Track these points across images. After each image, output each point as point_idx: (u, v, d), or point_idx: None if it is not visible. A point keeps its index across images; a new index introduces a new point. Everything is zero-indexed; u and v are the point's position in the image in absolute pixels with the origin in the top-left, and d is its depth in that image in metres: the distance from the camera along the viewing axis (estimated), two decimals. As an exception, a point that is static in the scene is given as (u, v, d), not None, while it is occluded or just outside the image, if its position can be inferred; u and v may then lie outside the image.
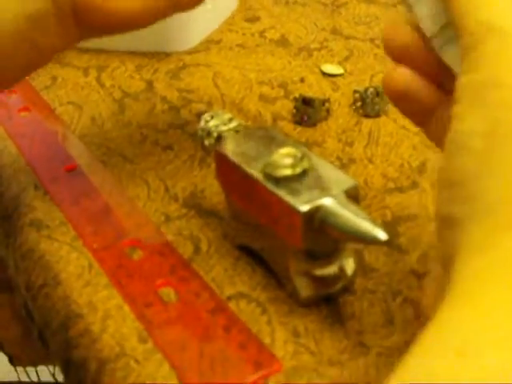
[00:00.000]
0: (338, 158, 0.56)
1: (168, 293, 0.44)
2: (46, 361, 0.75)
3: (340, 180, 0.40)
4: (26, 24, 0.44)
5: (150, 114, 0.62)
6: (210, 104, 0.62)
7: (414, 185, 0.52)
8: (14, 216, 0.53)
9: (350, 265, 0.43)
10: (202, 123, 0.47)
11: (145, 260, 0.47)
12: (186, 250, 0.48)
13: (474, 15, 0.29)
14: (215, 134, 0.46)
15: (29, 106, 0.66)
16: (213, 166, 0.47)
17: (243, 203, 0.44)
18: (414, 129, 0.54)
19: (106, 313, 0.44)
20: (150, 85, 0.67)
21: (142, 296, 0.44)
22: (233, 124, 0.46)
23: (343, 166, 0.54)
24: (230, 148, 0.44)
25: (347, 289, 0.43)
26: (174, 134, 0.59)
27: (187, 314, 0.43)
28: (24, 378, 1.07)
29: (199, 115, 0.52)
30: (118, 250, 0.48)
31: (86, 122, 0.63)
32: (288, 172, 0.40)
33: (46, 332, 0.47)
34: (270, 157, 0.41)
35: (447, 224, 0.29)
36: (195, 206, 0.51)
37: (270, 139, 0.44)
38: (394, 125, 0.59)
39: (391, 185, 0.52)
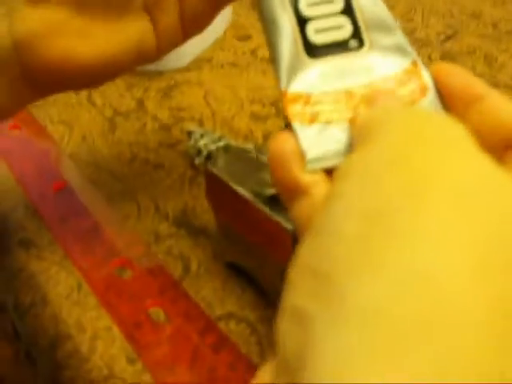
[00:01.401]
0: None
1: (157, 313, 0.44)
2: (34, 382, 0.74)
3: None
4: None
5: (141, 132, 0.62)
6: (200, 122, 0.62)
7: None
8: (3, 235, 0.53)
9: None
10: (192, 141, 0.47)
11: (134, 280, 0.47)
12: (176, 269, 0.47)
13: None
14: (205, 153, 0.46)
15: (19, 124, 0.66)
16: (203, 184, 0.47)
17: (233, 222, 0.44)
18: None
19: (94, 333, 0.43)
20: (140, 103, 0.67)
21: (131, 317, 0.44)
22: (222, 143, 0.46)
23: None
24: (219, 167, 0.43)
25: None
26: (164, 153, 0.58)
27: (176, 335, 0.43)
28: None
29: (190, 134, 0.52)
30: (107, 269, 0.48)
31: (77, 141, 0.62)
32: (277, 190, 0.40)
33: (34, 352, 0.47)
34: (259, 175, 0.41)
35: (298, 319, 0.22)
36: (185, 224, 0.51)
37: (259, 158, 0.44)
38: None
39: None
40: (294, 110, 0.30)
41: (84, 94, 0.69)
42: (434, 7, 0.87)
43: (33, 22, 0.38)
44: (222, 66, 0.73)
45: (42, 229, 0.52)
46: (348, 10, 0.33)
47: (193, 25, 0.43)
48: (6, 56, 0.39)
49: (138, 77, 0.71)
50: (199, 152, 0.46)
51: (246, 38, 0.79)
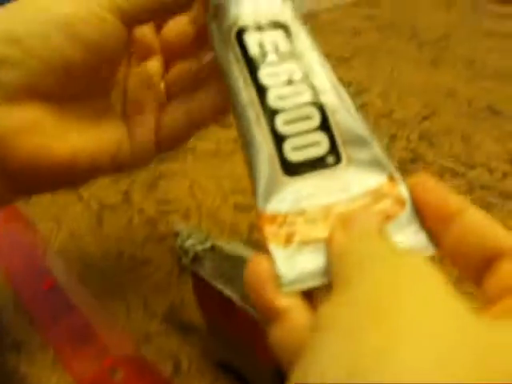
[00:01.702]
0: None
1: (149, 415, 0.44)
2: None
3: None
4: None
5: (128, 227, 0.63)
6: (186, 215, 0.63)
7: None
8: (-5, 336, 0.53)
9: None
10: (179, 242, 0.48)
11: (125, 380, 0.47)
12: (167, 368, 0.48)
13: None
14: (192, 254, 0.47)
15: (8, 220, 0.67)
16: (191, 281, 0.48)
17: (221, 322, 0.45)
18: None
19: None
20: (127, 196, 0.68)
21: (123, 419, 0.44)
22: (208, 243, 0.47)
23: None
24: (206, 268, 0.44)
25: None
26: (151, 248, 0.59)
27: None
28: None
29: (177, 232, 0.53)
30: (98, 370, 0.48)
31: (65, 237, 0.63)
32: (264, 292, 0.40)
33: None
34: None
35: None
36: (174, 321, 0.51)
37: (245, 257, 0.45)
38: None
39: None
40: (270, 231, 0.30)
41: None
42: (410, 87, 0.90)
43: (8, 120, 0.38)
44: (205, 156, 0.74)
45: (32, 330, 0.53)
46: (324, 126, 0.34)
47: (168, 142, 0.45)
48: None
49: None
50: (186, 253, 0.47)
51: (229, 124, 0.80)
